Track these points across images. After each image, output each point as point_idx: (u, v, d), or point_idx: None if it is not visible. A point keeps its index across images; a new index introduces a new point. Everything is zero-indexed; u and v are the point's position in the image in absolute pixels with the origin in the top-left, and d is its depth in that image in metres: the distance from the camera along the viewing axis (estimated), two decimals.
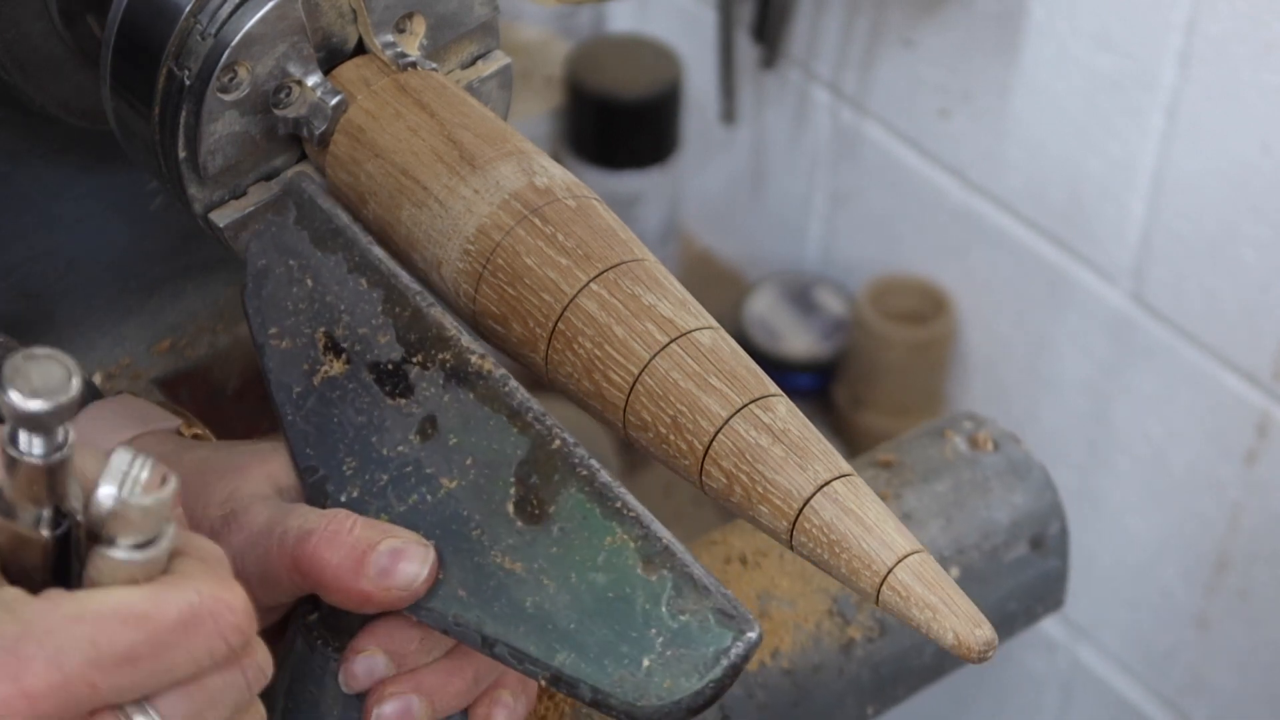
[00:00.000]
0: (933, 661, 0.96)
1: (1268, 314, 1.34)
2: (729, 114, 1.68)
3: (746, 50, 1.67)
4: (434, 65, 0.87)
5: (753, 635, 0.72)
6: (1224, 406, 1.40)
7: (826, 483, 0.73)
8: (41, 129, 0.95)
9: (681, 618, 0.72)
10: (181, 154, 0.84)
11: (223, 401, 1.05)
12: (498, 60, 0.91)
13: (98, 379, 1.01)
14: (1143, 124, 1.36)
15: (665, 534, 0.74)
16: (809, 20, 1.61)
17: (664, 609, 0.73)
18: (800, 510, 0.73)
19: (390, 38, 0.87)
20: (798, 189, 1.71)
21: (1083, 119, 1.40)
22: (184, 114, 0.83)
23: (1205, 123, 1.32)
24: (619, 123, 1.65)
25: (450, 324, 0.79)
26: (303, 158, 0.88)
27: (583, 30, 1.79)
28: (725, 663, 0.71)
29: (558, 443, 0.76)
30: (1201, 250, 1.36)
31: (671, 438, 0.76)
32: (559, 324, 0.78)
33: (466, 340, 0.78)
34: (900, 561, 0.72)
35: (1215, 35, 1.29)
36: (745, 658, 0.72)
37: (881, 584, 0.72)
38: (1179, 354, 1.41)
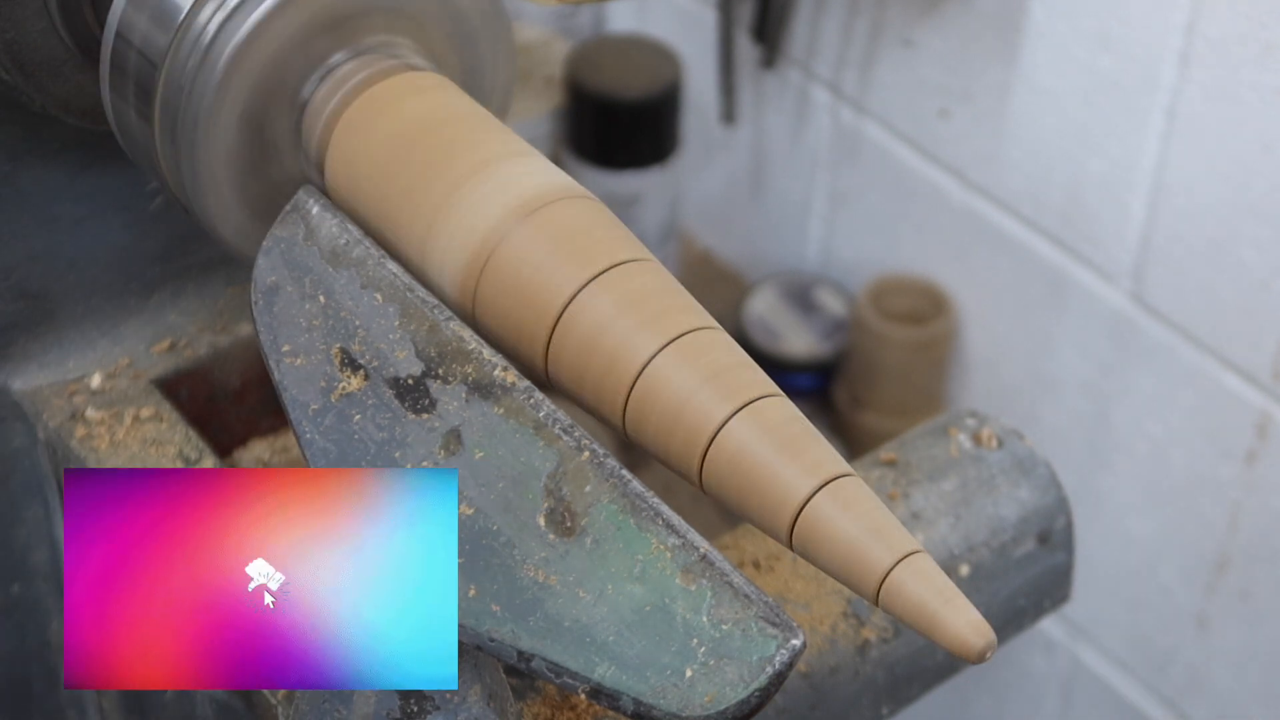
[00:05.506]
0: (945, 660, 0.96)
1: (1268, 314, 1.34)
2: (729, 114, 1.68)
3: (746, 50, 1.67)
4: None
5: (797, 642, 0.71)
6: (1224, 407, 1.40)
7: (826, 483, 0.73)
8: (41, 129, 0.95)
9: (723, 627, 0.72)
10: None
11: (223, 401, 1.05)
12: None
13: (97, 379, 1.01)
14: (1143, 124, 1.36)
15: (703, 543, 0.73)
16: (809, 20, 1.61)
17: (705, 618, 0.72)
18: (799, 510, 0.73)
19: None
20: (798, 189, 1.71)
21: (1083, 119, 1.40)
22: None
23: (1205, 123, 1.32)
24: (619, 123, 1.65)
25: (470, 337, 0.78)
26: (302, 159, 0.88)
27: (583, 30, 1.79)
28: (770, 670, 0.71)
29: (587, 454, 0.75)
30: (1201, 250, 1.36)
31: (671, 438, 0.76)
32: (559, 324, 0.78)
33: (488, 354, 0.78)
34: (900, 561, 0.71)
35: (1215, 36, 1.29)
36: (790, 665, 0.71)
37: (881, 584, 0.71)
38: (1179, 354, 1.41)
